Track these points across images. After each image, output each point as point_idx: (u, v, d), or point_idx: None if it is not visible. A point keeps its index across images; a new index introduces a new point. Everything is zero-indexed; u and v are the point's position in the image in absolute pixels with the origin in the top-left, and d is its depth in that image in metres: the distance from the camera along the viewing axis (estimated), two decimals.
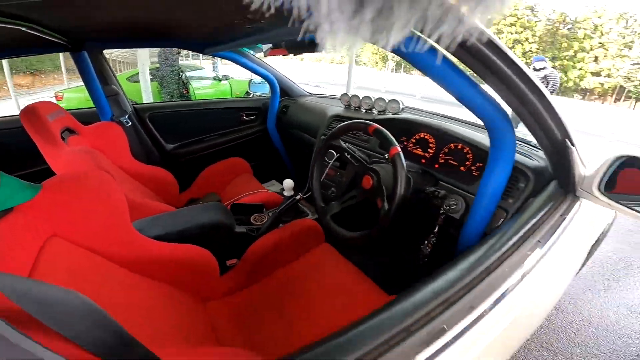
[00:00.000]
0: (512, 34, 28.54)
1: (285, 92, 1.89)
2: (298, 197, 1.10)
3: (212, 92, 5.31)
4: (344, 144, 1.00)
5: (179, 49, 4.66)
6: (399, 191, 0.76)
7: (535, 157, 0.85)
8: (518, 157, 0.83)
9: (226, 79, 5.49)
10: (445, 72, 0.55)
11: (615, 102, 24.17)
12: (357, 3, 0.17)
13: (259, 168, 1.75)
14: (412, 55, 0.54)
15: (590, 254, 1.18)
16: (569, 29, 27.47)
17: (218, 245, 0.90)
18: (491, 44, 0.50)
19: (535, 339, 1.31)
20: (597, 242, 1.20)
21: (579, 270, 1.17)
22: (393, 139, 0.83)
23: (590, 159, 0.71)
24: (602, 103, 22.71)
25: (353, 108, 1.46)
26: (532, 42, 28.01)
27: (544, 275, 0.58)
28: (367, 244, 0.81)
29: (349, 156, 0.97)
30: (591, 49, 25.71)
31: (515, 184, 0.80)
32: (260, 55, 1.65)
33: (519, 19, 28.53)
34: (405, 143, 1.15)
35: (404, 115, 1.24)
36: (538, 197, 0.69)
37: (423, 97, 10.32)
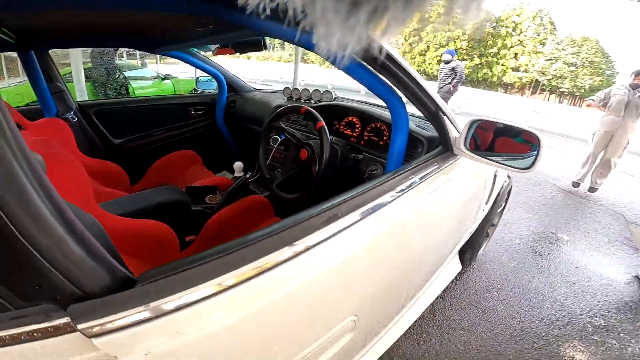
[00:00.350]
0: (445, 32, 30.90)
1: (232, 88, 2.01)
2: (248, 175, 1.26)
3: (154, 91, 5.16)
4: (284, 126, 1.18)
5: (117, 48, 4.48)
6: (325, 156, 0.96)
7: (430, 129, 1.11)
8: (417, 129, 1.08)
9: (167, 79, 5.39)
10: (357, 70, 0.76)
11: (532, 94, 27.48)
12: (351, 4, 0.17)
13: (210, 160, 1.83)
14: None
15: (495, 206, 1.58)
16: (493, 27, 30.42)
17: (177, 222, 1.01)
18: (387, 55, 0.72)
19: (465, 299, 1.66)
20: (500, 197, 1.57)
21: (489, 225, 1.54)
22: (319, 116, 1.04)
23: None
24: (521, 96, 25.71)
25: (294, 99, 1.65)
26: (463, 40, 30.55)
27: (415, 200, 0.81)
28: (304, 202, 1.00)
29: (289, 135, 1.15)
30: (512, 46, 28.91)
31: (415, 150, 1.05)
32: (208, 53, 1.75)
33: (452, 17, 31.10)
34: (337, 126, 1.36)
35: (336, 102, 1.46)
36: (426, 155, 0.94)
37: (367, 93, 10.87)
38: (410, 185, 0.78)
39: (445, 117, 0.91)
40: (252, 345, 0.50)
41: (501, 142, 0.93)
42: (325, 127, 1.01)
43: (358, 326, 0.72)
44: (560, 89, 25.39)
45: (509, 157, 0.92)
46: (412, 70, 0.80)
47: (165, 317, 0.39)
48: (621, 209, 3.09)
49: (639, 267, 2.13)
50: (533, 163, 0.86)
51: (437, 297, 1.58)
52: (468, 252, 1.70)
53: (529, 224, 2.61)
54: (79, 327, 0.34)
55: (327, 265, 0.58)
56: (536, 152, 0.88)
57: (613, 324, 1.63)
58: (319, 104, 1.50)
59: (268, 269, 0.49)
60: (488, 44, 29.80)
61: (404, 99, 0.86)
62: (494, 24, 30.09)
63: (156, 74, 5.58)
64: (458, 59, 5.24)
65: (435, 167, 0.88)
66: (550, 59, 26.36)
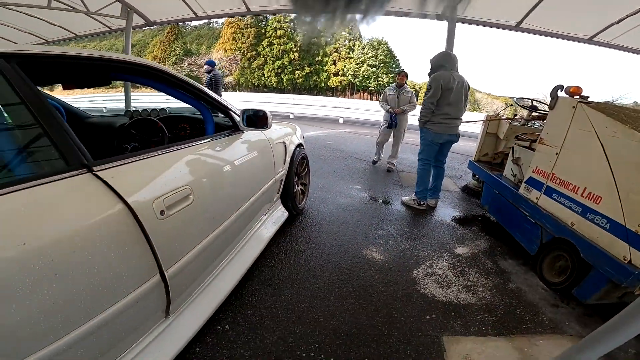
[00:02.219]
0: (280, 45, 33.29)
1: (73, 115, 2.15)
2: None
3: None
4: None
5: None
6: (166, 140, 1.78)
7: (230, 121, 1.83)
8: (222, 121, 1.83)
9: None
10: (168, 89, 1.28)
11: (351, 95, 33.41)
12: None
13: None
14: (147, 83, 1.21)
15: (292, 166, 2.46)
16: (316, 38, 34.98)
17: None
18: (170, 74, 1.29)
19: (297, 235, 2.60)
20: (295, 161, 2.49)
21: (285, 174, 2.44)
22: (158, 121, 1.85)
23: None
24: (344, 97, 31.01)
25: (136, 118, 1.99)
26: (296, 52, 33.68)
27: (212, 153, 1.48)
28: None
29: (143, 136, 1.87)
30: (330, 54, 34.09)
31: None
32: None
33: (285, 31, 33.39)
34: (175, 130, 1.82)
35: (170, 115, 1.94)
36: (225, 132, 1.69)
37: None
38: (217, 146, 1.51)
39: (231, 111, 1.55)
40: None
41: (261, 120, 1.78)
42: (164, 129, 1.84)
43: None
44: (369, 88, 32.16)
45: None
46: (203, 88, 1.49)
47: None
48: (396, 166, 4.69)
49: (402, 195, 3.47)
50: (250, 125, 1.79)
51: (277, 235, 2.37)
52: (289, 201, 2.50)
53: (336, 184, 3.84)
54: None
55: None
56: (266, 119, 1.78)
57: (390, 233, 2.66)
58: (157, 117, 1.89)
59: None
60: (315, 53, 33.98)
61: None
62: (317, 35, 34.58)
63: None
64: (218, 69, 6.27)
65: (230, 137, 1.64)
66: (358, 63, 32.69)
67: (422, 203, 3.21)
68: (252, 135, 1.88)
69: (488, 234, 2.77)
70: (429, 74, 2.96)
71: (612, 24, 4.44)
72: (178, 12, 5.93)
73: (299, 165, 2.63)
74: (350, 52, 33.50)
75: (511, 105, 5.24)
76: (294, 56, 33.12)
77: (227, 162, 1.52)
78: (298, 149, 2.58)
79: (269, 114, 1.70)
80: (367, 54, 32.66)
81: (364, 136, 7.64)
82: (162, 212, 1.00)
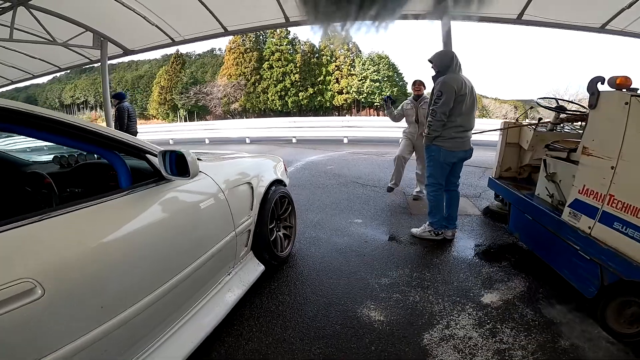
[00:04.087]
0: (279, 67, 34.00)
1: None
2: None
3: None
4: None
5: None
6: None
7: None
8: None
9: None
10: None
11: (357, 113, 33.29)
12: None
13: None
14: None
15: (264, 211, 2.03)
16: (317, 58, 35.19)
17: None
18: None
19: (278, 290, 2.02)
20: (269, 203, 2.07)
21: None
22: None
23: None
24: (351, 115, 30.78)
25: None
26: (296, 73, 34.30)
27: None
28: None
29: None
30: (332, 72, 34.44)
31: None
32: None
33: (283, 53, 34.19)
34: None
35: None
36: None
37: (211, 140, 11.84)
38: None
39: (147, 154, 1.05)
40: None
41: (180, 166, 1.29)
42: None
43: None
44: (375, 104, 31.97)
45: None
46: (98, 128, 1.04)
47: None
48: (402, 188, 4.10)
49: (412, 226, 2.88)
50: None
51: (253, 293, 1.91)
52: (264, 252, 2.04)
53: (332, 218, 3.23)
54: None
55: None
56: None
57: (395, 281, 2.08)
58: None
59: None
60: (316, 73, 34.47)
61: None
62: (317, 54, 35.00)
63: None
64: (127, 102, 5.67)
65: (152, 188, 1.25)
66: (361, 79, 32.81)
67: (439, 233, 2.62)
68: (190, 182, 1.46)
69: (523, 271, 2.15)
70: (434, 78, 2.45)
71: (624, 9, 4.00)
72: (154, 39, 5.73)
73: (276, 207, 2.20)
74: (352, 69, 33.75)
75: (531, 107, 4.62)
76: (295, 78, 33.64)
77: (146, 225, 1.19)
78: (274, 187, 2.17)
79: (189, 158, 1.23)
80: (368, 69, 32.80)
81: (369, 156, 7.09)
82: None
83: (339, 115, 29.74)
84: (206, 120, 29.11)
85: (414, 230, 2.76)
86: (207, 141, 11.56)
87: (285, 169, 2.56)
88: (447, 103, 2.30)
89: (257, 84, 35.31)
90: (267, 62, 33.81)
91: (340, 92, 33.59)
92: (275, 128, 11.24)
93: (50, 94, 43.34)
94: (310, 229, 2.97)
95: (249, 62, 34.05)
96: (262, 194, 2.00)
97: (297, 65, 33.99)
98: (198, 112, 35.72)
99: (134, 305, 1.06)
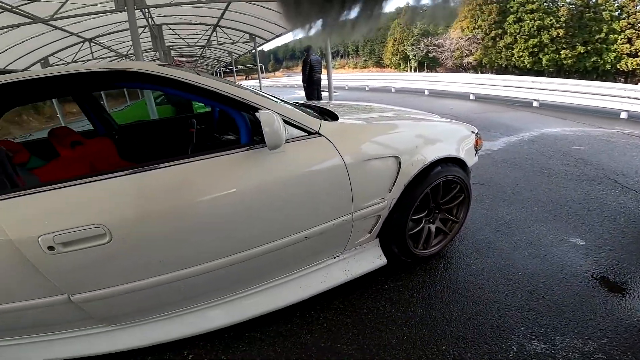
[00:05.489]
0: (534, 20, 27.25)
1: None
2: None
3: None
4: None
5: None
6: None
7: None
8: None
9: None
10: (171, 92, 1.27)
11: None
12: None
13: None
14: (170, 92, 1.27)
15: (408, 195, 1.59)
16: (594, 12, 25.81)
17: None
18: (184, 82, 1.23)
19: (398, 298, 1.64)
20: (416, 183, 1.63)
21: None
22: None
23: None
24: None
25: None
26: (559, 28, 26.57)
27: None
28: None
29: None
30: (622, 30, 24.02)
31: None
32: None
33: (539, 4, 27.34)
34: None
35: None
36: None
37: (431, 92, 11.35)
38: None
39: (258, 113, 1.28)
40: None
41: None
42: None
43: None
44: None
45: None
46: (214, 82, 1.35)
47: None
48: None
49: None
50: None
51: (355, 287, 1.67)
52: (394, 245, 1.68)
53: (534, 224, 2.20)
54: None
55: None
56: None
57: None
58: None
59: None
60: (592, 29, 25.30)
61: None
62: (594, 9, 25.46)
63: None
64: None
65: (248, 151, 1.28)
66: None
67: None
68: (304, 145, 1.32)
69: None
70: None
71: None
72: None
73: (435, 193, 1.71)
74: None
75: None
76: (558, 33, 25.94)
77: (227, 192, 1.21)
78: (440, 167, 1.64)
79: (266, 129, 1.17)
80: None
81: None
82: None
83: (625, 82, 20.81)
84: (436, 72, 28.52)
85: None
86: (426, 92, 11.18)
87: (478, 145, 1.91)
88: None
89: (497, 39, 30.24)
90: (512, 15, 27.69)
91: (632, 55, 23.28)
92: (510, 88, 8.65)
93: None
94: (488, 229, 2.09)
95: (488, 15, 29.14)
96: (411, 174, 1.52)
97: (561, 19, 25.87)
98: (428, 64, 35.55)
99: (197, 266, 1.21)
